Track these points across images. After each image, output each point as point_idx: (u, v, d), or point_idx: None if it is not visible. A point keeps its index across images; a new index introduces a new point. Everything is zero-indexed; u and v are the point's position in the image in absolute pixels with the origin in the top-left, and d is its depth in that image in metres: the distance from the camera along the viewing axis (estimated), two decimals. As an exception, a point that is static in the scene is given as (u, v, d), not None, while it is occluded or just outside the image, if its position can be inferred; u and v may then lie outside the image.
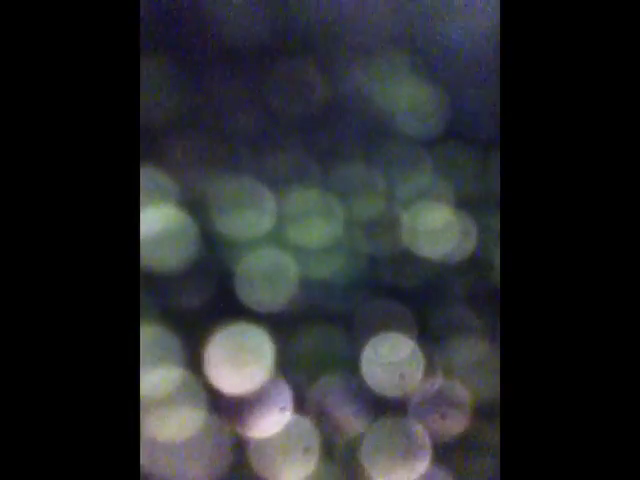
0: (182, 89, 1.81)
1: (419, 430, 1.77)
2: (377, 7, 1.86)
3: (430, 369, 1.79)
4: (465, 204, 1.83)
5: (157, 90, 1.79)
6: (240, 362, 1.77)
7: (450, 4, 1.86)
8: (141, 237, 1.70)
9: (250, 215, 1.81)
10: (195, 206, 1.80)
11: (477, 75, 1.84)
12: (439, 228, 1.84)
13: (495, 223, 1.82)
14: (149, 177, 1.79)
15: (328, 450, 1.76)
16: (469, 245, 1.83)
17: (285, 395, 1.78)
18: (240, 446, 1.76)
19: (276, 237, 1.81)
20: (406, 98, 1.86)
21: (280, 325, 1.78)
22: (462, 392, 1.79)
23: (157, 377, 1.75)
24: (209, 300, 1.78)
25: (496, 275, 1.81)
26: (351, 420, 1.77)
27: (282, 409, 1.76)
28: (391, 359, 1.79)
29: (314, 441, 1.76)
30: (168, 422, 1.75)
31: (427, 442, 1.76)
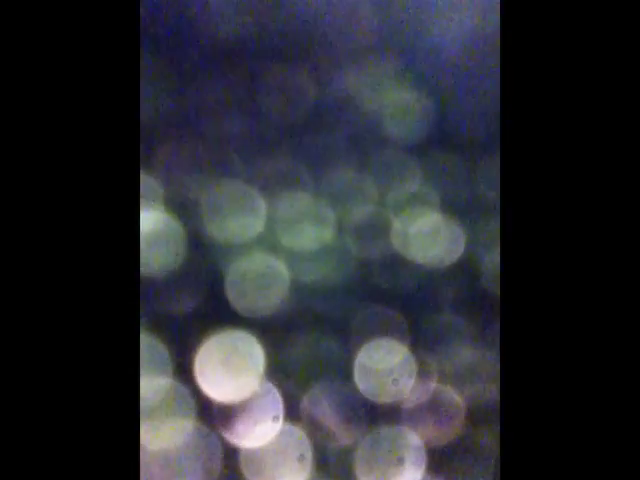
0: (172, 92, 1.79)
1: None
2: (368, 12, 1.86)
3: (423, 375, 1.78)
4: (454, 209, 1.83)
5: (148, 93, 1.76)
6: (231, 369, 1.75)
7: (441, 9, 1.86)
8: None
9: (241, 219, 1.79)
10: (185, 209, 1.78)
11: (467, 81, 1.85)
12: (429, 233, 1.84)
13: (485, 227, 1.82)
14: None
15: (322, 459, 1.74)
16: (458, 250, 1.83)
17: (277, 403, 1.76)
18: (232, 456, 1.73)
19: (267, 241, 1.79)
20: (395, 103, 1.86)
21: (271, 331, 1.76)
22: (455, 397, 1.78)
23: (145, 385, 1.72)
24: (199, 305, 1.76)
25: (486, 279, 1.81)
26: (344, 428, 1.75)
27: (275, 418, 1.74)
28: (384, 365, 1.77)
29: (308, 450, 1.74)
30: (158, 431, 1.72)
31: (421, 449, 1.75)
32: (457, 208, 1.83)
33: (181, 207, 1.78)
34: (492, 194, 1.80)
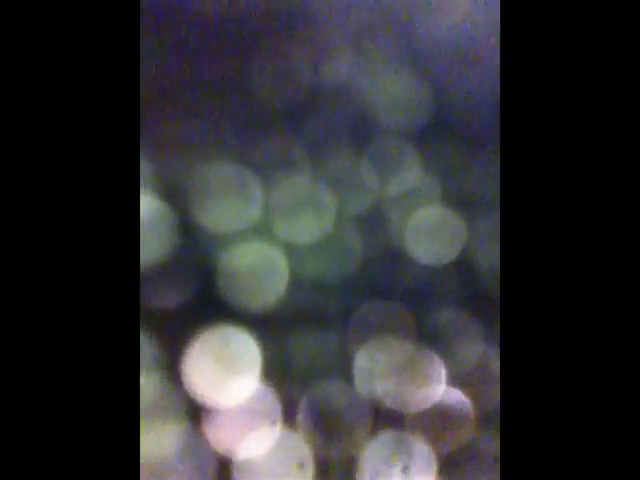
0: (165, 73, 1.74)
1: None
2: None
3: (427, 374, 1.73)
4: (455, 201, 1.81)
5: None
6: (224, 370, 1.70)
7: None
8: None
9: (234, 205, 1.74)
10: (174, 195, 1.74)
11: (468, 70, 1.83)
12: (429, 226, 1.80)
13: (486, 221, 1.80)
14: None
15: (323, 466, 1.69)
16: (459, 243, 1.80)
17: (275, 406, 1.70)
18: (226, 465, 1.67)
19: (263, 230, 1.75)
20: (394, 88, 1.82)
21: (267, 327, 1.71)
22: (460, 398, 1.73)
23: (132, 387, 1.62)
24: (189, 300, 1.71)
25: (488, 274, 1.78)
26: (346, 432, 1.68)
27: (272, 423, 1.66)
28: (386, 363, 1.72)
29: (308, 457, 1.68)
30: (145, 437, 1.62)
31: (427, 453, 1.70)
32: (458, 201, 1.81)
33: (170, 192, 1.73)
34: (494, 187, 1.78)
